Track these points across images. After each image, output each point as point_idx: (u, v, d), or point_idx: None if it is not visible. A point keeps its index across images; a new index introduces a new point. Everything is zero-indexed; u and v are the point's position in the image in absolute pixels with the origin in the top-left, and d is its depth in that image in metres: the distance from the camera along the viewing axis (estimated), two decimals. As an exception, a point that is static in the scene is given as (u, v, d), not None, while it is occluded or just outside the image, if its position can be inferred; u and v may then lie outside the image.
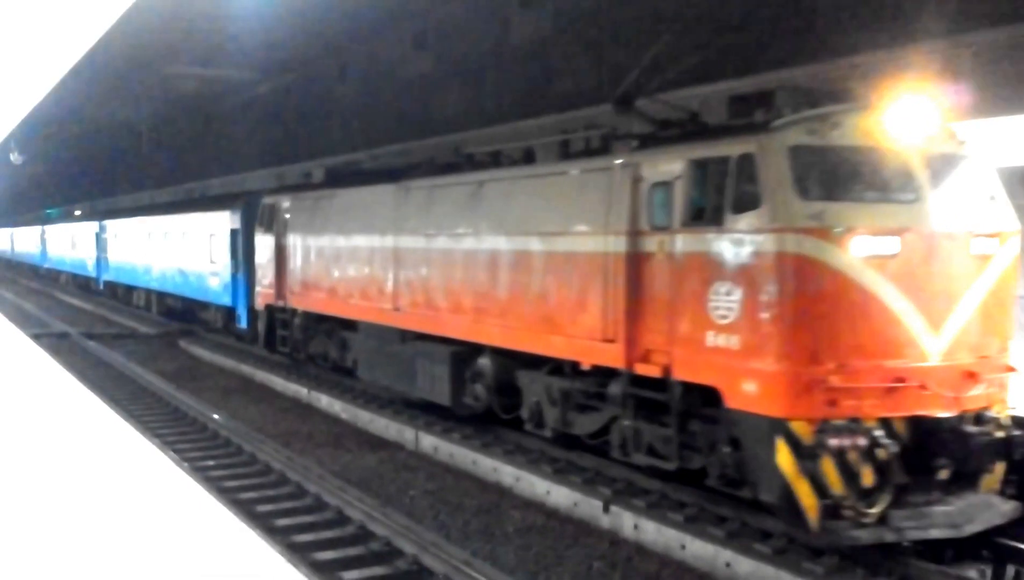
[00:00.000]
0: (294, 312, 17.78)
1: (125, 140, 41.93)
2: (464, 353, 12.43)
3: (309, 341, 17.47)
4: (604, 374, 9.97)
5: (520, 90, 17.90)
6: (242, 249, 21.31)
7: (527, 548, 9.01)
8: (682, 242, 8.82)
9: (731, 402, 8.25)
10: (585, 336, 10.03)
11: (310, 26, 21.02)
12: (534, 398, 11.35)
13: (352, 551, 8.84)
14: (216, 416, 14.43)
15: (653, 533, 9.07)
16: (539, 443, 11.76)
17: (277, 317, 18.58)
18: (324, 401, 16.00)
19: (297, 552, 8.41)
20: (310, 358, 17.69)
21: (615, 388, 9.75)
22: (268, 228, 18.77)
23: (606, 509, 9.63)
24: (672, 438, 9.07)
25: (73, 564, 5.72)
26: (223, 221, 22.65)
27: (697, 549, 8.61)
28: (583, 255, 10.11)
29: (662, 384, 9.02)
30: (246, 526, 6.61)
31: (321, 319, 16.89)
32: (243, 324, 21.57)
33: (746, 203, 8.18)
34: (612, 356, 9.62)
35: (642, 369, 9.22)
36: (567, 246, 10.41)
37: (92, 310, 34.95)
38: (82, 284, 41.39)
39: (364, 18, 20.43)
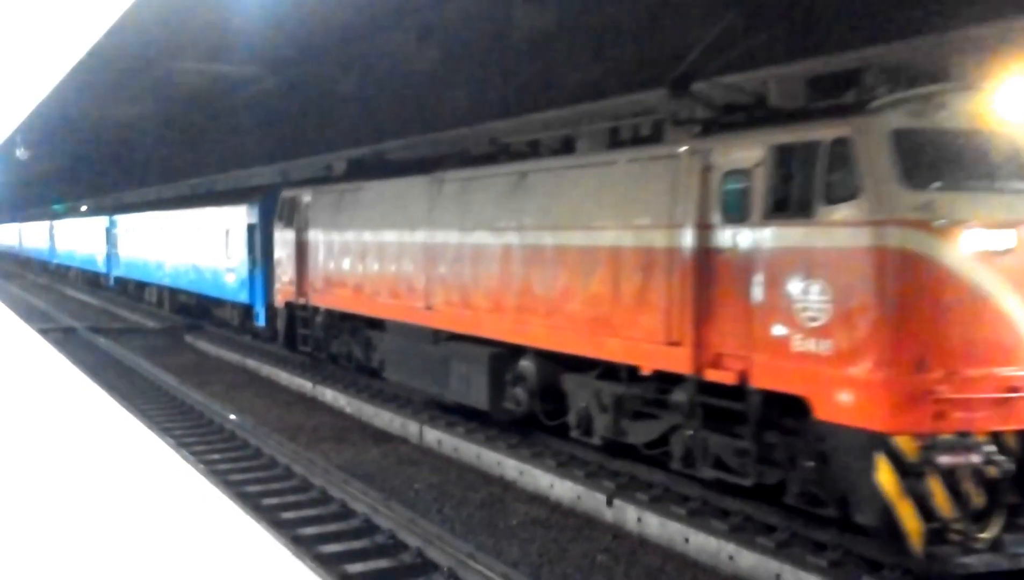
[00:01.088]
0: (316, 310, 16.87)
1: (130, 136, 41.93)
2: (504, 355, 11.54)
3: (331, 340, 16.57)
4: (665, 379, 9.11)
5: (525, 83, 17.81)
6: (260, 245, 20.36)
7: (531, 541, 8.95)
8: (763, 236, 7.94)
9: (822, 413, 7.39)
10: (646, 338, 9.12)
11: (314, 21, 20.99)
12: (582, 404, 10.48)
13: (357, 544, 8.79)
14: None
15: (656, 527, 9.03)
16: (542, 437, 11.59)
17: (298, 315, 17.65)
18: (329, 395, 15.94)
19: (302, 545, 8.36)
20: (332, 358, 16.78)
21: (680, 395, 8.87)
22: (288, 223, 17.83)
23: (609, 503, 9.61)
24: (749, 451, 8.22)
25: (75, 554, 5.77)
26: (240, 216, 21.75)
27: (700, 542, 8.57)
28: (643, 250, 9.19)
29: (734, 391, 8.18)
30: (251, 518, 6.64)
31: (345, 318, 15.97)
32: (261, 322, 20.56)
33: (841, 193, 7.38)
34: (677, 361, 8.71)
35: (713, 375, 8.33)
36: (624, 241, 9.48)
37: (99, 305, 35.00)
38: (91, 280, 40.71)
39: (368, 12, 20.40)
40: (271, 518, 9.22)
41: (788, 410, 7.84)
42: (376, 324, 14.92)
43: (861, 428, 7.16)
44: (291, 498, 10.28)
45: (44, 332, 20.17)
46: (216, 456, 12.17)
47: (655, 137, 9.99)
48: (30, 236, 58.82)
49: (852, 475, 7.37)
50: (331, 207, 16.26)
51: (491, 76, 18.60)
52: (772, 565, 7.88)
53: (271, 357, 19.45)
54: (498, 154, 12.67)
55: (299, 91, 26.74)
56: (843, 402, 7.25)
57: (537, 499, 10.31)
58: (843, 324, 7.30)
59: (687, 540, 8.66)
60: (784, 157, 7.92)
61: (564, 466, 10.66)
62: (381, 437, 13.44)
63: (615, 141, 10.79)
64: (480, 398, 11.90)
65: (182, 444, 12.31)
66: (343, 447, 12.73)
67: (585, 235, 10.11)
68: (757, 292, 7.97)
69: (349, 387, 15.83)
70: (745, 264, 8.09)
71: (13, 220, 69.24)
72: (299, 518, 9.50)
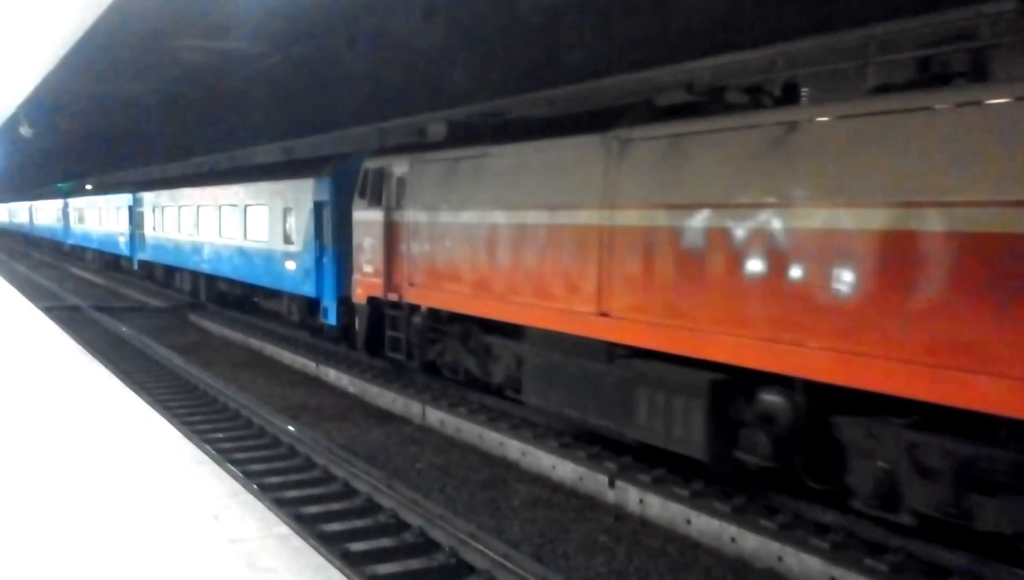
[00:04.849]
0: (413, 309, 13.65)
1: (135, 113, 41.87)
2: (732, 383, 8.47)
3: (428, 346, 13.53)
4: None
5: (531, 60, 17.57)
6: (331, 226, 17.01)
7: (533, 522, 8.93)
8: None
9: None
10: None
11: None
12: (879, 463, 7.34)
13: (359, 523, 8.77)
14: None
15: (658, 508, 9.01)
16: (545, 418, 11.36)
17: (386, 314, 14.40)
18: (332, 375, 15.98)
19: (304, 524, 8.34)
20: (428, 367, 13.70)
21: None
22: (374, 200, 14.49)
23: (611, 484, 9.64)
24: None
25: (73, 527, 5.76)
26: (305, 191, 18.04)
27: (702, 524, 8.53)
28: None
29: None
30: (252, 496, 6.65)
31: (453, 319, 12.86)
32: (332, 321, 16.96)
33: None
34: None
35: None
36: (1017, 224, 6.22)
37: (104, 284, 35.06)
38: (111, 263, 38.06)
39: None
40: (274, 497, 9.16)
41: None
42: (496, 328, 11.90)
43: None
44: (294, 477, 10.30)
45: (49, 310, 20.26)
46: (220, 435, 12.18)
47: (978, 74, 7.23)
48: (42, 215, 56.26)
49: None
50: (439, 179, 12.97)
51: (497, 52, 18.35)
52: (774, 547, 7.85)
53: (273, 336, 19.46)
54: (705, 104, 9.31)
55: (304, 68, 26.58)
56: None
57: (539, 480, 10.29)
58: None
59: (689, 522, 8.61)
60: None
61: (566, 447, 10.65)
62: (384, 417, 13.43)
63: (915, 78, 7.49)
64: (693, 443, 8.71)
65: (185, 422, 12.32)
66: (346, 426, 12.74)
67: (922, 215, 6.80)
68: None
69: (352, 367, 15.83)
70: None
71: (22, 198, 67.71)
72: (301, 497, 9.51)
